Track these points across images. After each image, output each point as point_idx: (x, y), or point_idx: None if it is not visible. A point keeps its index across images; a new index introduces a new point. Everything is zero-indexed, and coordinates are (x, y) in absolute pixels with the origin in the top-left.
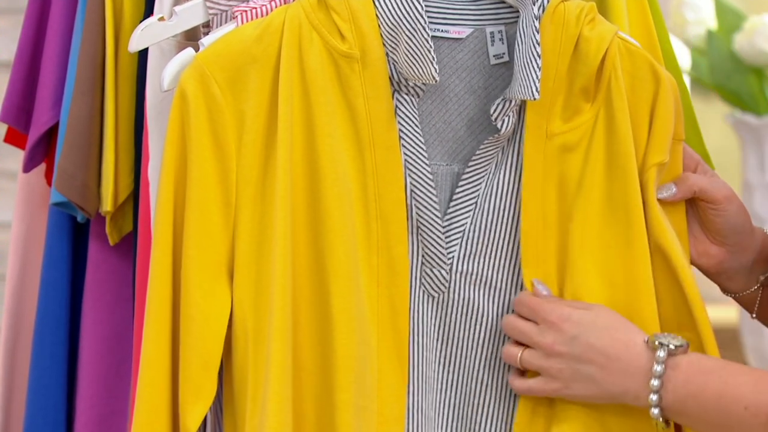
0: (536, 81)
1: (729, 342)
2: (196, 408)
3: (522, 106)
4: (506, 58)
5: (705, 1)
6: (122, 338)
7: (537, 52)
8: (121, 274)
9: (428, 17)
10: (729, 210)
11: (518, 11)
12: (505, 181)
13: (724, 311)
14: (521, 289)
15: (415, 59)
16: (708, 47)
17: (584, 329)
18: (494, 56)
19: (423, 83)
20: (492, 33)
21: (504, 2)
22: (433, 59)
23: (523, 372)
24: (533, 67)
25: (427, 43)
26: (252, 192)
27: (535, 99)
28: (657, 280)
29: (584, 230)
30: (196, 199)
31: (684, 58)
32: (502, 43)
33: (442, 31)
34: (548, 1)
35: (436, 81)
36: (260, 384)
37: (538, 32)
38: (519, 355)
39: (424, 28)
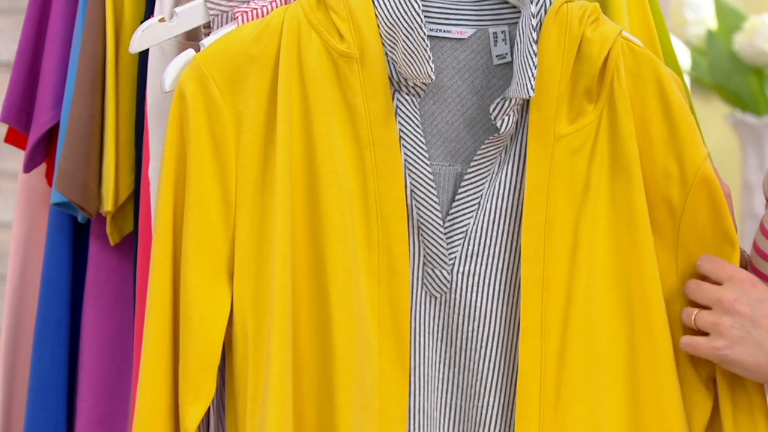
0: (531, 79)
1: None
2: (195, 407)
3: (525, 106)
4: (509, 58)
5: (705, 1)
6: (123, 338)
7: (533, 50)
8: (122, 274)
9: (430, 17)
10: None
11: (521, 11)
12: (509, 181)
13: None
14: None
15: (411, 58)
16: (708, 47)
17: None
18: (497, 56)
19: (423, 83)
20: (495, 33)
21: (507, 2)
22: (429, 58)
23: (694, 333)
24: (529, 65)
25: (423, 42)
26: (251, 191)
27: (530, 97)
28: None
29: (592, 232)
30: (194, 199)
31: (684, 58)
32: (505, 43)
33: (444, 31)
34: (551, 2)
35: (431, 80)
36: (260, 383)
37: (534, 31)
38: (695, 313)
39: (421, 27)
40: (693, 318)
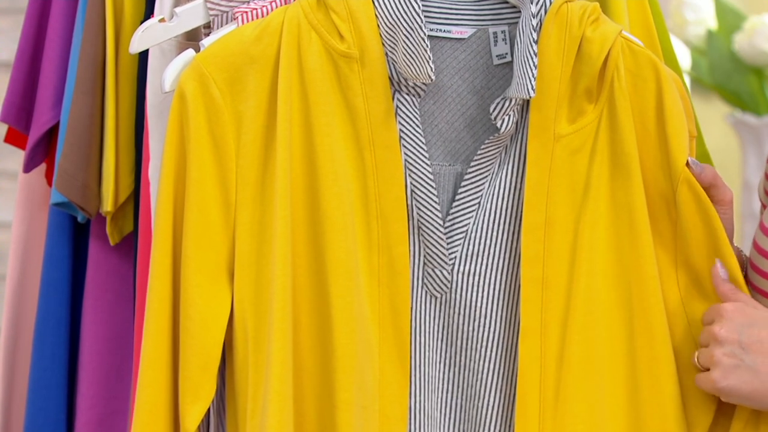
0: (531, 79)
1: None
2: (195, 408)
3: (525, 106)
4: (509, 58)
5: (705, 1)
6: (123, 338)
7: (533, 50)
8: (122, 274)
9: (430, 17)
10: (728, 214)
11: (521, 11)
12: (509, 181)
13: None
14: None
15: (411, 58)
16: (708, 47)
17: (759, 321)
18: (497, 56)
19: (423, 83)
20: (495, 33)
21: (507, 2)
22: (429, 58)
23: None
24: (529, 65)
25: (423, 42)
26: (251, 192)
27: (530, 97)
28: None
29: (593, 232)
30: (195, 199)
31: (684, 58)
32: (505, 43)
33: (444, 31)
34: (551, 2)
35: (431, 80)
36: (261, 384)
37: (534, 31)
38: (697, 353)
39: (421, 27)
40: (696, 358)
